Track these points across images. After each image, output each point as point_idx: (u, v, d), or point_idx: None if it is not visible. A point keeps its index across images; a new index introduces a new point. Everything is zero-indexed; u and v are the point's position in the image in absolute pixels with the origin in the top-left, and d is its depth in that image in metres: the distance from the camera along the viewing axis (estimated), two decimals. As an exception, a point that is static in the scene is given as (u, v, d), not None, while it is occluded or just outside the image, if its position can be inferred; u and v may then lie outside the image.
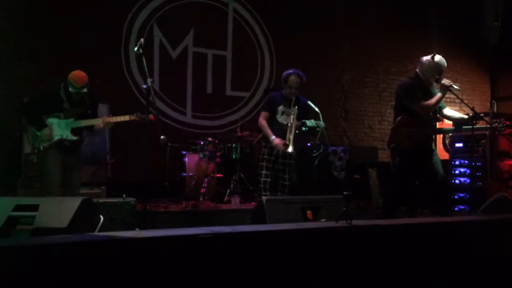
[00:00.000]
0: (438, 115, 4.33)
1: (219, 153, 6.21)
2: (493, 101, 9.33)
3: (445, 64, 4.23)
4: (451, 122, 4.59)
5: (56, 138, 4.00)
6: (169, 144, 5.55)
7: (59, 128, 4.03)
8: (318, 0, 8.00)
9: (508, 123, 4.19)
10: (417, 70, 4.29)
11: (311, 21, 7.87)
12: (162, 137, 3.67)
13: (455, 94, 4.19)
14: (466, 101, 8.05)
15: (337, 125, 8.18)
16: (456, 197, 5.94)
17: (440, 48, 7.54)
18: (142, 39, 3.79)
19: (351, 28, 8.22)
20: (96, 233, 2.96)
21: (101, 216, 3.32)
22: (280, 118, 4.71)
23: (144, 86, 3.74)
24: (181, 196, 5.82)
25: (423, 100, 4.12)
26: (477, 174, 5.88)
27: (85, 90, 4.03)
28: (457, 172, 6.09)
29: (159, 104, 6.78)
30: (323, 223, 3.23)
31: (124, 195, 4.38)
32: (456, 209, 5.83)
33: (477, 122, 4.20)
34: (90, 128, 4.25)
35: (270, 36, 7.72)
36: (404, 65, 8.73)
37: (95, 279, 1.78)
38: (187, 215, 5.09)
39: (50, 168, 4.01)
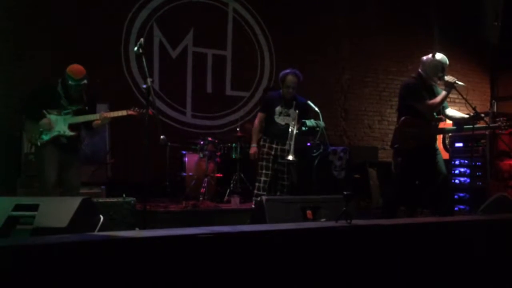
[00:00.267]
0: (441, 115, 4.32)
1: (219, 153, 6.22)
2: (493, 101, 9.34)
3: (447, 61, 4.22)
4: (451, 122, 4.59)
5: (54, 133, 3.96)
6: (169, 144, 5.55)
7: (56, 124, 3.99)
8: (318, 0, 8.01)
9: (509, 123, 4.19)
10: (419, 70, 4.29)
11: (311, 21, 7.87)
12: (162, 137, 3.66)
13: (458, 92, 4.17)
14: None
15: (337, 125, 8.18)
16: (456, 197, 5.93)
17: (440, 48, 7.49)
18: (142, 39, 3.78)
19: (351, 28, 8.22)
20: (96, 233, 2.96)
21: (101, 216, 3.32)
22: (278, 119, 4.68)
23: (144, 86, 3.74)
24: (181, 196, 5.82)
25: (428, 99, 4.11)
26: (477, 173, 5.88)
27: (85, 81, 4.01)
28: (457, 172, 6.09)
29: (159, 104, 6.78)
30: (323, 223, 3.23)
31: (124, 195, 4.37)
32: (456, 209, 5.83)
33: (478, 122, 4.19)
34: (88, 125, 4.20)
35: (270, 36, 7.72)
36: (404, 65, 8.74)
37: (95, 279, 1.78)
38: (187, 215, 5.10)
39: (47, 165, 3.96)
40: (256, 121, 4.79)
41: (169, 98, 6.99)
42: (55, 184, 4.00)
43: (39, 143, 3.95)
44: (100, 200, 4.13)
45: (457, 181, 6.03)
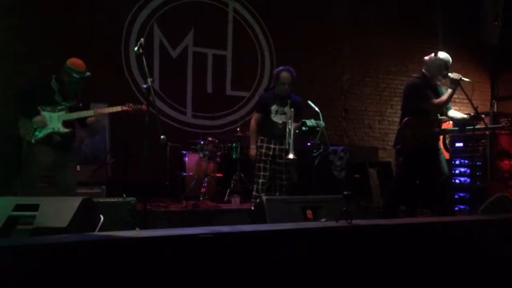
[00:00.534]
0: (444, 116, 4.31)
1: (219, 153, 6.22)
2: (494, 100, 9.34)
3: (450, 59, 4.22)
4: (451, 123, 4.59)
5: (48, 130, 3.90)
6: (169, 143, 5.54)
7: (50, 121, 3.92)
8: (318, 0, 8.01)
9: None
10: (423, 70, 4.28)
11: (311, 21, 7.88)
12: (162, 136, 3.65)
13: (463, 90, 4.15)
14: (467, 101, 8.10)
15: (337, 124, 8.18)
16: (456, 196, 5.94)
17: (440, 48, 7.53)
18: (142, 39, 3.78)
19: (352, 28, 8.22)
20: (96, 232, 2.96)
21: (101, 216, 3.32)
22: (275, 118, 4.65)
23: (144, 86, 3.73)
24: (181, 195, 5.83)
25: (434, 98, 4.11)
26: (477, 173, 5.89)
27: (88, 73, 3.99)
28: (457, 171, 6.09)
29: (159, 103, 6.79)
30: (323, 222, 3.23)
31: (124, 195, 4.37)
32: (456, 209, 5.83)
33: (478, 122, 4.19)
34: (83, 122, 4.14)
35: (270, 36, 7.72)
36: (404, 65, 8.74)
37: (95, 279, 1.78)
38: (187, 215, 5.09)
39: (36, 166, 3.89)
40: (253, 122, 4.76)
41: (169, 98, 7.00)
42: (40, 181, 3.95)
43: (33, 140, 3.88)
44: (100, 200, 4.11)
45: (457, 181, 6.03)
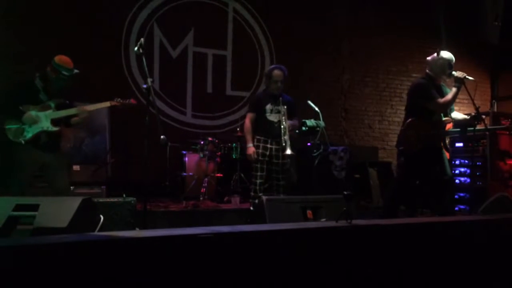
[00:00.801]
0: (448, 117, 4.31)
1: (219, 153, 6.22)
2: (493, 100, 9.34)
3: (453, 57, 4.21)
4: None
5: (38, 129, 3.76)
6: (169, 143, 5.54)
7: (39, 120, 3.79)
8: (318, 0, 8.01)
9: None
10: (427, 70, 4.28)
11: (311, 21, 7.87)
12: (162, 136, 3.65)
13: (466, 89, 4.15)
14: (467, 101, 8.10)
15: (337, 124, 8.18)
16: (456, 196, 5.94)
17: (441, 47, 7.54)
18: (142, 39, 3.77)
19: (351, 28, 8.22)
20: (96, 232, 2.97)
21: (101, 216, 3.33)
22: (270, 116, 4.62)
23: (144, 86, 3.73)
24: (181, 195, 5.82)
25: (439, 98, 4.10)
26: (477, 173, 5.89)
27: (77, 70, 3.89)
28: (457, 171, 6.09)
29: (159, 103, 6.79)
30: (323, 222, 3.23)
31: (124, 195, 4.37)
32: (456, 208, 5.83)
33: (479, 122, 4.18)
34: (67, 122, 4.00)
35: (270, 36, 7.72)
36: (404, 65, 8.74)
37: (95, 279, 1.78)
38: (187, 214, 5.09)
39: (26, 161, 3.75)
40: (248, 121, 4.71)
41: (169, 98, 7.00)
42: (28, 185, 3.85)
43: (23, 141, 3.72)
44: (100, 200, 4.12)
45: (457, 181, 6.03)
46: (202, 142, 6.09)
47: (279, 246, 2.23)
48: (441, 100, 4.08)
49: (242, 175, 6.08)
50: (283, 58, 7.51)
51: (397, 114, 8.65)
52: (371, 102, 8.54)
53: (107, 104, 4.03)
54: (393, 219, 3.65)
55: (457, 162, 6.11)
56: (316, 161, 5.23)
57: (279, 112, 4.60)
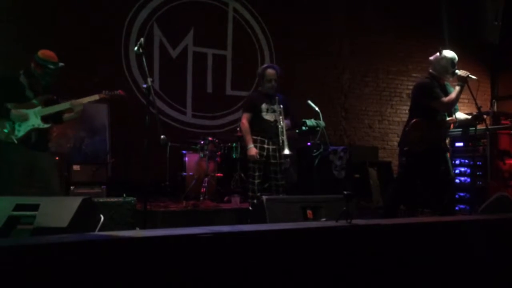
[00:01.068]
0: (453, 117, 4.30)
1: (219, 153, 6.22)
2: (493, 100, 9.34)
3: (456, 56, 4.21)
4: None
5: (29, 127, 3.68)
6: (169, 143, 5.55)
7: (29, 118, 3.70)
8: (318, 0, 8.01)
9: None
10: (430, 70, 4.27)
11: (311, 21, 7.87)
12: (162, 136, 3.65)
13: (469, 88, 4.14)
14: (468, 100, 8.11)
15: (337, 124, 8.18)
16: (456, 196, 5.94)
17: (440, 47, 7.53)
18: (142, 39, 3.78)
19: (351, 28, 8.22)
20: (96, 232, 2.97)
21: (102, 216, 3.32)
22: (267, 116, 4.60)
23: (144, 86, 3.74)
24: (181, 195, 5.82)
25: (444, 97, 4.10)
26: (478, 173, 5.88)
27: (62, 64, 3.83)
28: (457, 171, 6.09)
29: (159, 103, 6.78)
30: (323, 222, 3.23)
31: (124, 195, 4.37)
32: (456, 208, 5.83)
33: (480, 122, 4.18)
34: (58, 118, 3.95)
35: (270, 36, 7.72)
36: (404, 65, 8.74)
37: (95, 278, 1.78)
38: (187, 214, 5.09)
39: (16, 161, 3.63)
40: (245, 121, 4.65)
41: (169, 97, 6.99)
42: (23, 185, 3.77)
43: (15, 140, 3.62)
44: (101, 200, 4.12)
45: (457, 180, 6.03)
46: (202, 142, 6.09)
47: (279, 246, 2.24)
48: (446, 99, 4.08)
49: (242, 175, 6.08)
50: (283, 58, 7.52)
51: (397, 114, 8.65)
52: (371, 102, 8.54)
53: (96, 97, 3.97)
54: (393, 219, 3.66)
55: (458, 161, 6.11)
56: (316, 161, 5.23)
57: (274, 111, 4.59)
